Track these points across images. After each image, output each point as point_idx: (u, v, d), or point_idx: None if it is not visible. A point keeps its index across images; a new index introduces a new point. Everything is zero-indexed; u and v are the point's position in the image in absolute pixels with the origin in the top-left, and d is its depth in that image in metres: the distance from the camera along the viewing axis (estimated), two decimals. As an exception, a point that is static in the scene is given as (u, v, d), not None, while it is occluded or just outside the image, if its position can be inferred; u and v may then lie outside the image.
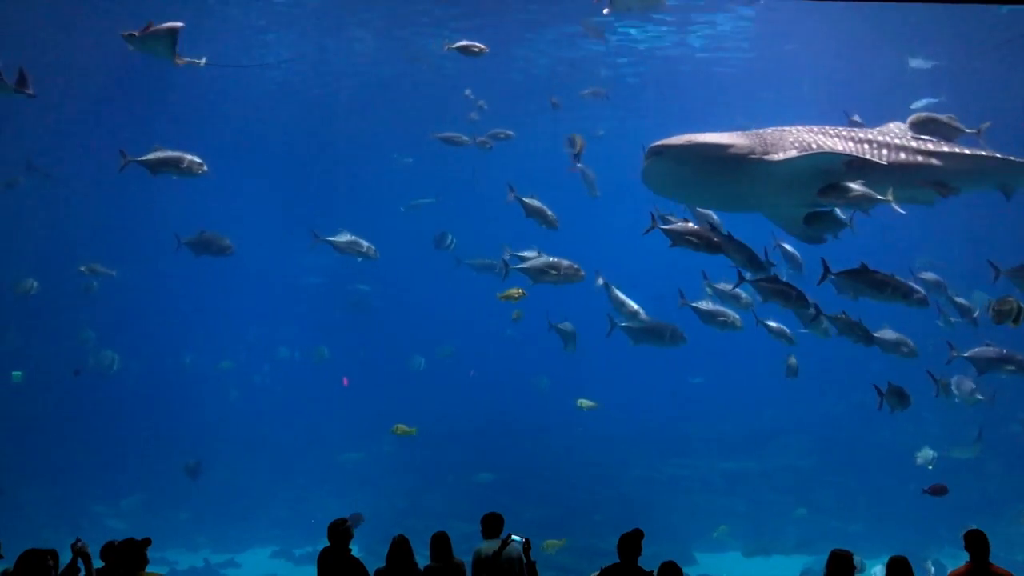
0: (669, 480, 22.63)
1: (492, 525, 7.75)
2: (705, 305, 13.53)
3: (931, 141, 11.57)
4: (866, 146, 11.23)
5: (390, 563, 7.26)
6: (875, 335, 12.66)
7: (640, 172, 10.94)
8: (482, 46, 14.13)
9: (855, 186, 10.53)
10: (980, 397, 14.39)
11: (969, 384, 14.19)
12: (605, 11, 17.64)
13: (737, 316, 13.62)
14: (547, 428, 24.26)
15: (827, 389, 23.55)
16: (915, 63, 20.72)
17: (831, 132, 11.26)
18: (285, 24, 20.82)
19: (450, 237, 21.18)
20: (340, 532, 7.48)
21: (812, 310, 11.96)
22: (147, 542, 6.64)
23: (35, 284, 19.74)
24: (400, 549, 7.27)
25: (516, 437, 23.59)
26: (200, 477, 20.65)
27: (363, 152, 28.83)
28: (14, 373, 21.47)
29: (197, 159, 12.63)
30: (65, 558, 6.63)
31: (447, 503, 19.92)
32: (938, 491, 14.73)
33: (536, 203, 13.77)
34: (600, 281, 13.71)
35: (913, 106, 17.88)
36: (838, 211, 11.29)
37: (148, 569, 6.70)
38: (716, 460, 23.15)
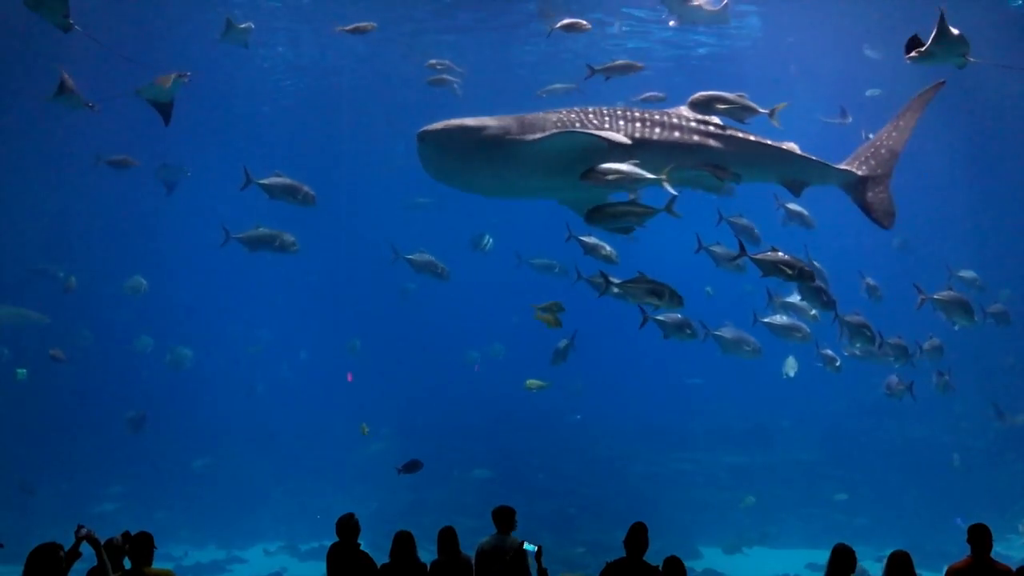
0: (674, 475, 22.66)
1: (503, 518, 7.70)
2: (780, 320, 13.98)
3: (711, 123, 11.11)
4: (638, 125, 10.86)
5: (394, 558, 7.26)
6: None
7: None
8: (585, 22, 14.30)
9: (616, 166, 10.07)
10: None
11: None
12: (671, 23, 17.75)
13: (808, 331, 14.08)
14: (553, 424, 24.33)
15: (832, 384, 23.61)
16: (869, 52, 20.63)
17: (605, 112, 10.93)
18: (292, 11, 20.79)
19: (487, 237, 20.97)
20: (349, 527, 7.46)
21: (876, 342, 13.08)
22: (149, 537, 6.63)
23: (144, 283, 20.07)
24: (403, 544, 7.26)
25: (522, 432, 23.64)
26: (142, 431, 20.59)
27: (366, 147, 28.85)
28: (18, 371, 21.55)
29: (311, 191, 12.86)
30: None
31: (452, 498, 19.95)
32: None
33: (592, 240, 13.71)
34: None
35: (868, 93, 17.89)
36: (634, 205, 10.76)
37: (155, 564, 6.69)
38: (721, 454, 23.18)
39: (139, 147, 25.29)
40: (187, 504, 21.80)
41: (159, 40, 20.90)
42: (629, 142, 10.68)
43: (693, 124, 11.09)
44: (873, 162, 11.69)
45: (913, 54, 9.57)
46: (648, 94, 14.83)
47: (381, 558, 7.43)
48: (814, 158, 11.52)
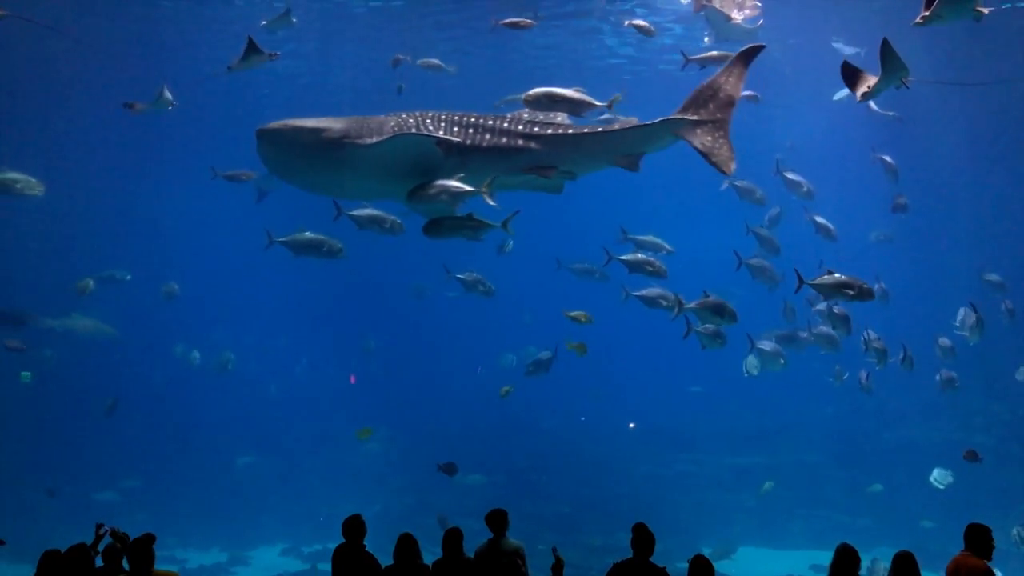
0: (677, 476, 22.66)
1: (496, 521, 7.77)
2: (824, 330, 15.22)
3: (538, 123, 11.02)
4: (470, 131, 10.84)
5: (397, 560, 7.27)
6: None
7: None
8: (651, 28, 15.14)
9: (439, 183, 10.38)
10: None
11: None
12: (707, 39, 18.02)
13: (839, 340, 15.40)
14: (557, 426, 24.33)
15: (834, 386, 23.67)
16: (838, 45, 20.59)
17: (443, 117, 10.90)
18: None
19: (508, 240, 21.35)
20: (355, 528, 7.50)
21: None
22: (151, 538, 6.64)
23: (176, 288, 20.38)
24: (406, 546, 7.28)
25: (526, 435, 23.68)
26: (115, 415, 20.69)
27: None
28: (22, 374, 21.63)
29: (399, 220, 12.86)
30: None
31: (456, 500, 19.94)
32: (971, 456, 15.49)
33: (639, 256, 14.29)
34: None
35: (836, 97, 17.96)
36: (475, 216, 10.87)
37: (160, 567, 6.69)
38: (724, 456, 23.15)
39: (137, 147, 25.59)
40: (190, 506, 21.81)
41: (159, 45, 20.99)
42: (457, 141, 10.75)
43: (520, 127, 11.02)
44: (712, 106, 11.12)
45: (864, 90, 9.57)
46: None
47: (384, 560, 7.45)
48: (634, 125, 11.12)
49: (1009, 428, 21.22)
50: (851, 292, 10.98)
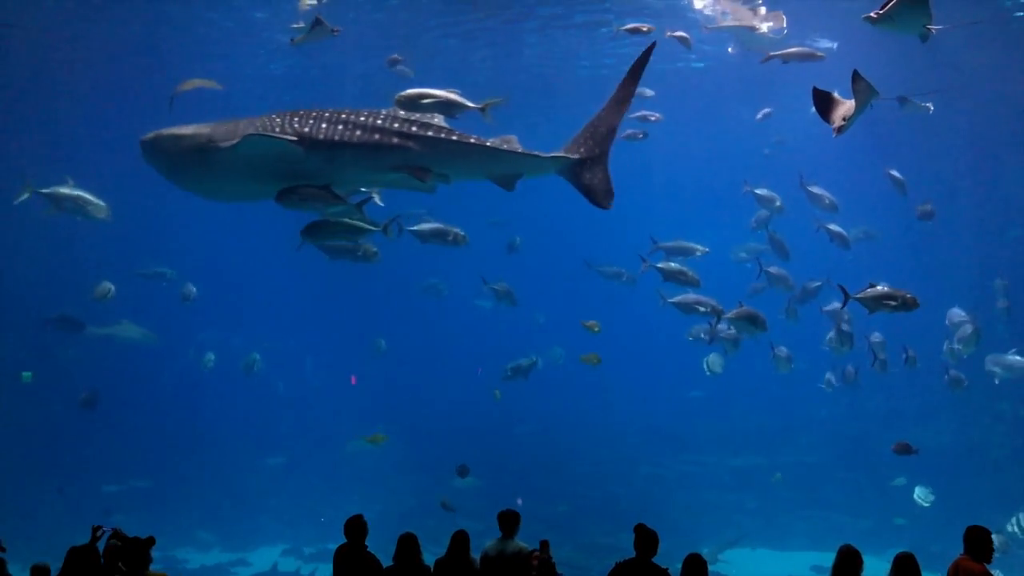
0: (678, 477, 22.65)
1: (507, 522, 7.77)
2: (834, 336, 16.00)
3: (416, 124, 10.94)
4: (339, 127, 10.79)
5: (398, 560, 7.28)
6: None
7: None
8: (689, 39, 15.48)
9: (305, 190, 10.59)
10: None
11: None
12: (730, 50, 18.07)
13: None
14: (558, 427, 24.29)
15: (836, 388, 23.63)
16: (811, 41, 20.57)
17: (312, 115, 10.85)
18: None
19: (517, 240, 22.22)
20: (357, 528, 7.50)
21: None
22: (151, 541, 6.65)
23: (194, 290, 20.26)
24: (407, 547, 7.29)
25: (529, 436, 23.69)
26: (95, 408, 20.67)
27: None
28: (23, 374, 21.63)
29: (461, 232, 13.12)
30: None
31: (457, 501, 19.91)
32: (904, 449, 15.46)
33: (674, 266, 14.61)
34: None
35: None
36: (355, 217, 11.10)
37: (160, 568, 6.71)
38: (725, 457, 23.14)
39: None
40: (191, 505, 21.82)
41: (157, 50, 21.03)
42: (296, 140, 10.64)
43: (396, 126, 10.95)
44: (591, 142, 11.21)
45: (842, 123, 9.48)
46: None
47: (385, 560, 7.45)
48: (522, 151, 11.18)
49: (1013, 427, 21.20)
50: (894, 303, 11.38)
